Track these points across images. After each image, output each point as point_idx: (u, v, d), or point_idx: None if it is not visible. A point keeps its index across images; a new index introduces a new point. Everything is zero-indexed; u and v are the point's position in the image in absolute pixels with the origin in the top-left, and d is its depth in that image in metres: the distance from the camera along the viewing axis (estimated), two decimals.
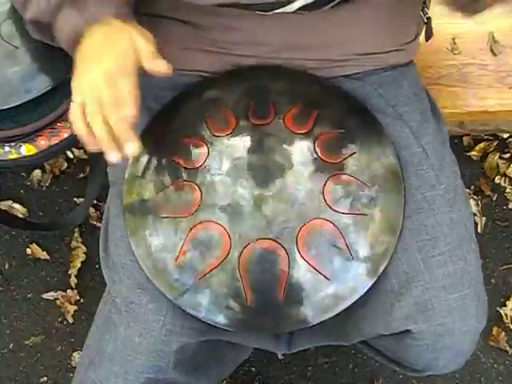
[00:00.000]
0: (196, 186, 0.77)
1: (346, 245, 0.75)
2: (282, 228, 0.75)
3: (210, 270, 0.75)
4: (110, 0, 0.73)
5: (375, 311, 0.79)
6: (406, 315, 0.77)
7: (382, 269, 0.76)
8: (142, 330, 0.77)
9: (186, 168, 0.78)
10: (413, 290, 0.77)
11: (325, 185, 0.77)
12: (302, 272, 0.75)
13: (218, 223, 0.76)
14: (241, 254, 0.75)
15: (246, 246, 0.75)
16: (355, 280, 0.76)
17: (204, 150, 0.79)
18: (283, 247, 0.75)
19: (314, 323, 0.76)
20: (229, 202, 0.76)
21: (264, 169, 0.77)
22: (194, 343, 0.80)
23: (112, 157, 0.68)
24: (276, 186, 0.77)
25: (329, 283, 0.75)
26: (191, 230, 0.76)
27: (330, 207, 0.76)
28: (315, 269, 0.75)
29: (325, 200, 0.76)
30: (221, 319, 0.75)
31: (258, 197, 0.76)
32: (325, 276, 0.75)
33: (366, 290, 0.76)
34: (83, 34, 0.72)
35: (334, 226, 0.76)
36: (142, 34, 0.71)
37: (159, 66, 0.70)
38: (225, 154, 0.78)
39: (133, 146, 0.68)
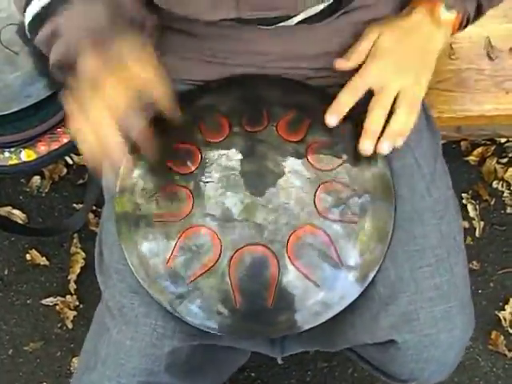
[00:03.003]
0: (188, 191, 0.77)
1: (336, 252, 0.75)
2: (273, 234, 0.75)
3: (200, 275, 0.75)
4: None
5: (362, 319, 0.80)
6: (391, 325, 0.77)
7: (371, 277, 0.77)
8: (134, 334, 0.78)
9: (178, 173, 0.79)
10: (399, 299, 0.77)
11: (316, 192, 0.77)
12: (291, 278, 0.75)
13: (209, 228, 0.76)
14: (231, 259, 0.75)
15: (236, 251, 0.75)
16: (344, 287, 0.76)
17: (197, 155, 0.79)
18: (273, 253, 0.75)
19: (303, 329, 0.76)
20: (220, 208, 0.76)
21: (256, 175, 0.78)
22: (187, 347, 0.80)
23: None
24: (267, 192, 0.77)
25: (318, 290, 0.75)
26: (182, 234, 0.76)
27: (320, 214, 0.76)
28: (305, 275, 0.75)
29: (315, 207, 0.77)
30: (210, 324, 0.76)
31: (249, 202, 0.77)
32: (314, 282, 0.75)
33: (354, 297, 0.76)
34: None
35: (325, 233, 0.76)
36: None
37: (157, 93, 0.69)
38: (217, 160, 0.78)
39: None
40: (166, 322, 0.78)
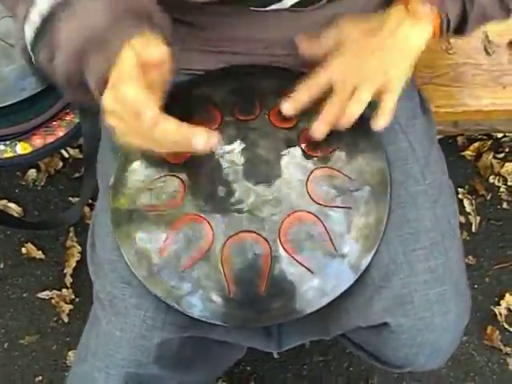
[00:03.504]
0: (180, 180, 0.77)
1: (330, 238, 0.75)
2: (265, 221, 0.75)
3: (194, 263, 0.75)
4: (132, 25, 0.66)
5: (355, 304, 0.79)
6: (384, 308, 0.77)
7: (366, 263, 0.76)
8: (123, 325, 0.77)
9: (170, 162, 0.79)
10: (392, 283, 0.77)
11: (309, 178, 0.77)
12: (284, 265, 0.75)
13: (201, 216, 0.76)
14: (223, 246, 0.75)
15: (228, 239, 0.75)
16: (338, 273, 0.76)
17: None
18: (266, 240, 0.75)
19: (298, 316, 0.76)
20: (212, 196, 0.76)
21: (248, 162, 0.78)
22: (177, 339, 0.80)
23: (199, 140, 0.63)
24: (260, 179, 0.77)
25: (312, 276, 0.75)
26: (175, 223, 0.76)
27: (313, 200, 0.76)
28: (298, 262, 0.75)
29: (308, 193, 0.76)
30: (203, 312, 0.75)
31: (241, 190, 0.77)
32: (308, 269, 0.75)
33: (349, 284, 0.76)
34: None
35: (318, 218, 0.76)
36: (145, 40, 0.66)
37: (151, 54, 0.65)
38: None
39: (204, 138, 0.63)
40: (156, 314, 0.77)
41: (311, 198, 0.76)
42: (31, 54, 0.68)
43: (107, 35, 0.64)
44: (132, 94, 0.62)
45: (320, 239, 0.75)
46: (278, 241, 0.75)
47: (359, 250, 0.76)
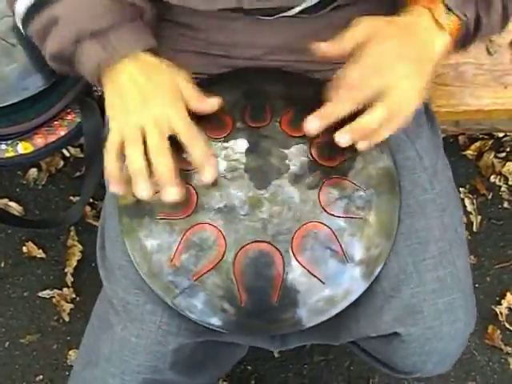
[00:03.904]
0: (192, 188, 0.77)
1: (341, 248, 0.75)
2: (277, 231, 0.75)
3: (205, 272, 0.75)
4: (135, 32, 0.72)
5: (365, 313, 0.80)
6: (394, 318, 0.77)
7: (376, 272, 0.77)
8: (139, 331, 0.78)
9: (181, 170, 0.78)
10: (402, 292, 0.77)
11: (320, 188, 0.77)
12: (296, 275, 0.75)
13: (213, 225, 0.75)
14: (236, 256, 0.74)
15: (241, 249, 0.75)
16: (349, 283, 0.76)
17: None
18: (278, 250, 0.75)
19: (307, 326, 0.76)
20: (224, 204, 0.76)
21: (260, 171, 0.77)
22: (191, 344, 0.80)
23: (142, 190, 0.70)
24: (272, 188, 0.77)
25: (323, 286, 0.75)
26: (187, 231, 0.75)
27: (325, 210, 0.76)
28: (310, 272, 0.75)
29: (320, 203, 0.76)
30: (215, 321, 0.75)
31: (253, 199, 0.76)
32: (319, 279, 0.75)
33: (359, 293, 0.76)
34: (109, 67, 0.71)
35: (329, 229, 0.76)
36: (181, 72, 0.73)
37: (207, 106, 0.74)
38: (221, 156, 0.78)
39: (174, 192, 0.69)
40: (170, 319, 0.78)
41: (323, 208, 0.76)
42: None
43: (103, 24, 0.69)
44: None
45: (332, 249, 0.75)
46: (291, 251, 0.75)
47: (370, 259, 0.76)
